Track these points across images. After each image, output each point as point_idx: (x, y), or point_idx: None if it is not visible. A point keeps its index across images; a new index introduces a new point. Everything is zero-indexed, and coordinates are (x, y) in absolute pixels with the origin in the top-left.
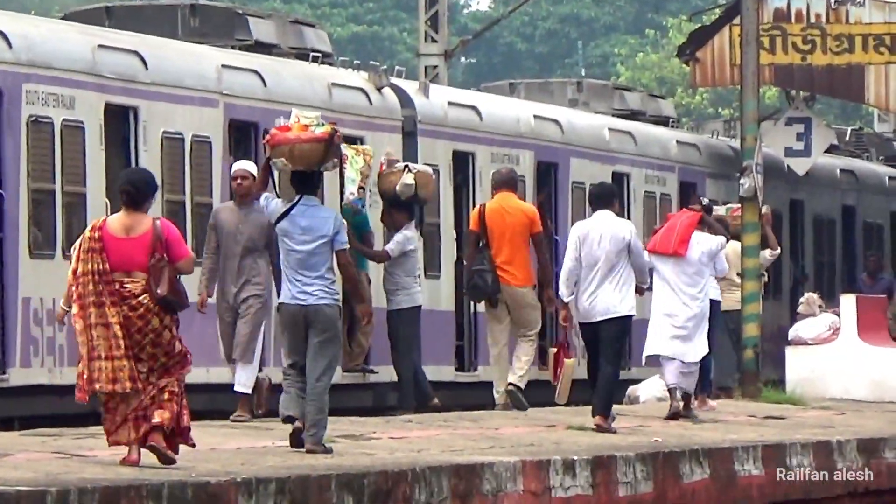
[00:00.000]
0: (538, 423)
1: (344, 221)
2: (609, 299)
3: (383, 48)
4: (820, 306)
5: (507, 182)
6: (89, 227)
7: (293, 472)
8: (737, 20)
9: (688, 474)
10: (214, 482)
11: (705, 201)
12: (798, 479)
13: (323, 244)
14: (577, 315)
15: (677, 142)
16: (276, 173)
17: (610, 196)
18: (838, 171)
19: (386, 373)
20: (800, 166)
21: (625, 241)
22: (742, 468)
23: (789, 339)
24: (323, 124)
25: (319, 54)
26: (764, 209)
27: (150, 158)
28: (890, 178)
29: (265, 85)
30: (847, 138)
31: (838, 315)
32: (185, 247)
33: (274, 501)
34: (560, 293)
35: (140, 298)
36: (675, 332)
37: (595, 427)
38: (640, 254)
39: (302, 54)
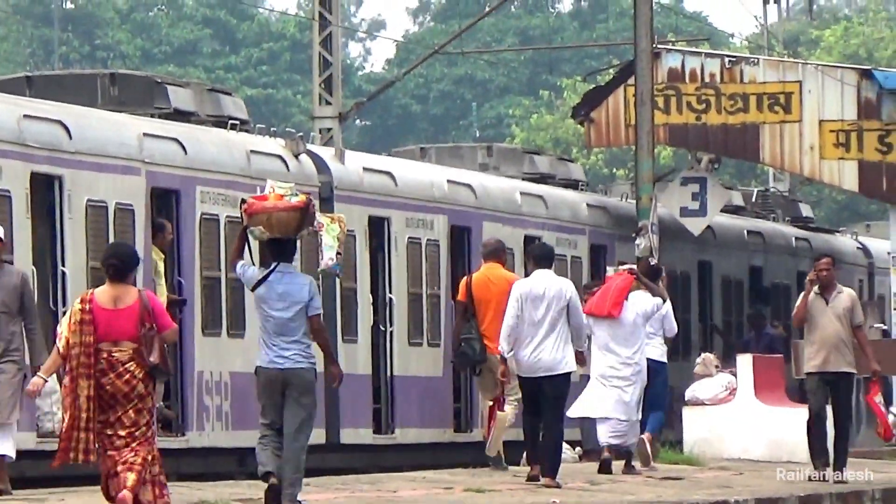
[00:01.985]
0: (437, 484)
1: (317, 288)
2: (552, 356)
3: (277, 111)
4: (716, 366)
5: (493, 253)
6: (78, 300)
7: None
8: (631, 80)
9: None
10: None
11: (653, 261)
12: None
13: (299, 310)
14: (517, 370)
15: (587, 205)
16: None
17: (550, 256)
18: (746, 232)
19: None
20: (695, 226)
21: (566, 298)
22: None
23: (686, 398)
24: (297, 194)
25: (237, 121)
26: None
27: (74, 226)
28: (796, 238)
29: (186, 152)
30: (753, 199)
31: (735, 375)
32: (169, 318)
33: None
34: (500, 348)
35: (127, 366)
36: (608, 393)
37: (545, 485)
38: (579, 314)
39: (220, 122)
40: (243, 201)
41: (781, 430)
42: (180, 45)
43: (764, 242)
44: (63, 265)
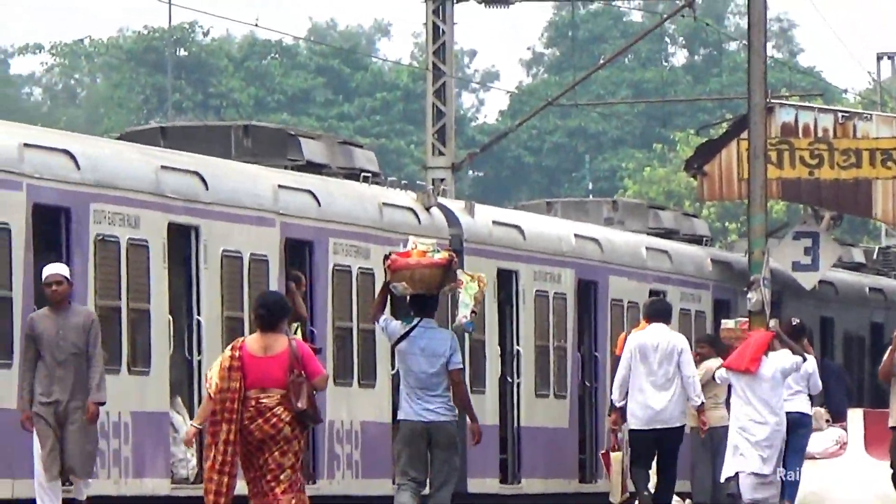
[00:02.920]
0: None
1: (457, 343)
2: (669, 408)
3: (390, 161)
4: (827, 420)
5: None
6: (230, 348)
7: None
8: (744, 134)
9: None
10: None
11: (795, 322)
12: None
13: (441, 365)
14: (630, 423)
15: (711, 259)
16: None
17: (666, 311)
18: (867, 289)
19: None
20: (807, 280)
21: (678, 353)
22: None
23: None
24: (439, 250)
25: (369, 174)
26: (772, 323)
27: (209, 276)
28: None
29: (319, 204)
30: (875, 256)
31: (845, 429)
32: (319, 365)
33: None
34: (612, 398)
35: (274, 410)
36: (749, 447)
37: None
38: (688, 366)
39: (351, 174)
40: (386, 257)
41: (892, 484)
42: (294, 94)
43: (885, 299)
44: (199, 314)
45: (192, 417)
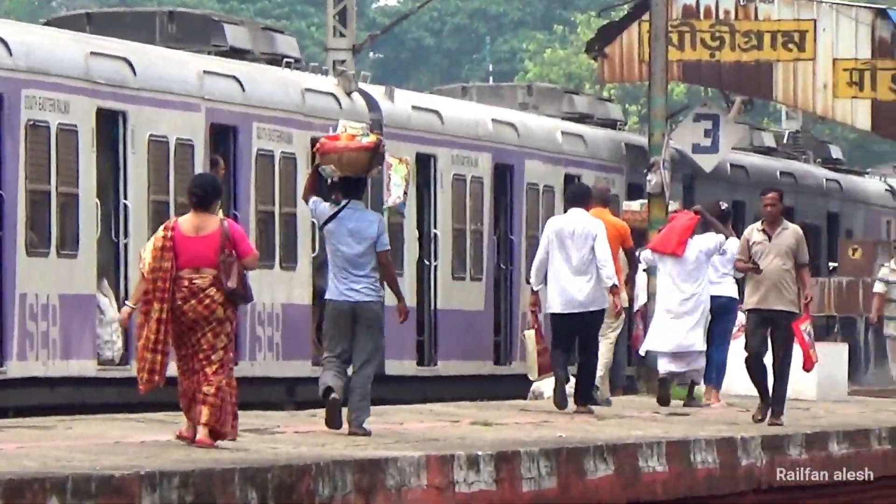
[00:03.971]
0: (443, 417)
1: (385, 224)
2: (586, 292)
3: None
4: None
5: (601, 199)
6: (162, 228)
7: (197, 465)
8: (646, 16)
9: (592, 470)
10: (118, 475)
11: (724, 206)
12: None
13: (369, 246)
14: (549, 307)
15: (625, 144)
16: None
17: (584, 196)
18: (778, 172)
19: None
20: (707, 163)
21: (592, 237)
22: (646, 464)
23: None
24: (368, 134)
25: (291, 60)
26: (674, 205)
27: (136, 161)
28: (827, 179)
29: (243, 90)
30: (785, 140)
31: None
32: (250, 245)
33: (177, 495)
34: (531, 282)
35: (207, 291)
36: (671, 325)
37: (577, 412)
38: (602, 250)
39: (273, 59)
40: (316, 140)
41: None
42: None
43: (796, 182)
44: (126, 198)
45: (118, 300)
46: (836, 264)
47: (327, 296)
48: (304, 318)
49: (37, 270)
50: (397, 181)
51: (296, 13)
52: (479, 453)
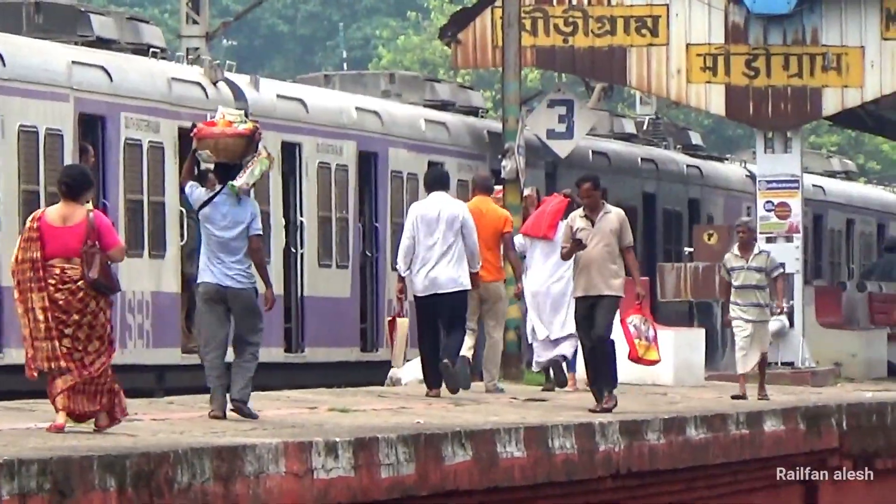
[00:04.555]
0: (301, 404)
1: (258, 210)
2: (447, 275)
3: None
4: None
5: (484, 187)
6: (30, 218)
7: (55, 453)
8: (498, 2)
9: (450, 456)
10: None
11: (566, 190)
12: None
13: (241, 231)
14: (414, 290)
15: (488, 132)
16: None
17: (443, 180)
18: (639, 159)
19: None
20: (562, 148)
21: (459, 221)
22: (504, 450)
23: None
24: (245, 122)
25: (158, 49)
26: (528, 191)
27: (7, 150)
28: (688, 166)
29: (111, 80)
30: (645, 127)
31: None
32: (116, 236)
33: (36, 483)
34: (398, 268)
35: (79, 283)
36: (542, 311)
37: (445, 365)
38: (471, 234)
39: (139, 49)
40: (193, 125)
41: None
42: None
43: (657, 169)
44: None
45: None
46: (691, 249)
47: (199, 279)
48: (174, 305)
49: None
50: (255, 172)
51: (149, 0)
52: (338, 440)
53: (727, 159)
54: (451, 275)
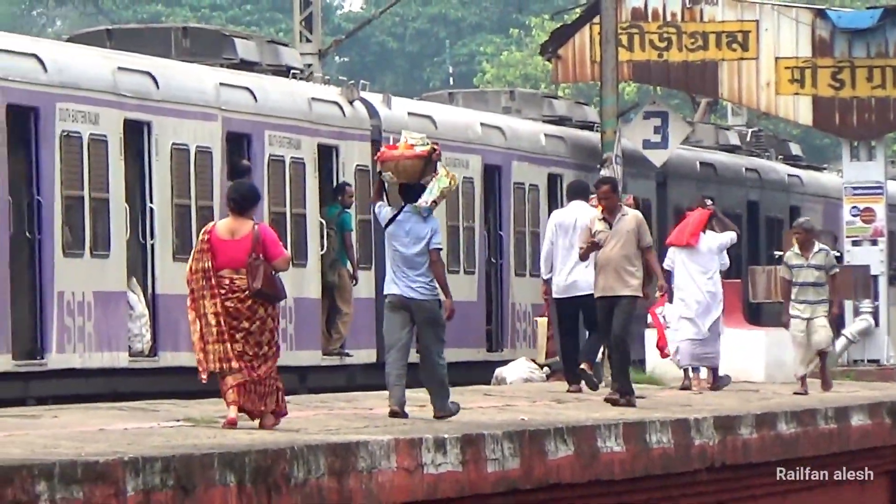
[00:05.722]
0: (410, 403)
1: (438, 226)
2: (588, 277)
3: None
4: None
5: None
6: (202, 231)
7: (177, 451)
8: (596, 19)
9: (553, 451)
10: (103, 461)
11: (709, 202)
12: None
13: (424, 246)
14: (554, 293)
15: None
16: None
17: (583, 189)
18: (743, 169)
19: (359, 356)
20: (657, 158)
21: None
22: (604, 445)
23: (648, 321)
24: (426, 144)
25: (297, 70)
26: (626, 198)
27: (160, 167)
28: (789, 175)
29: (255, 100)
30: (748, 138)
31: None
32: (280, 248)
33: (160, 479)
34: (541, 271)
35: (246, 292)
36: (688, 314)
37: (582, 370)
38: None
39: (279, 71)
40: (377, 150)
41: (739, 351)
42: None
43: (759, 178)
44: (151, 202)
45: (146, 296)
46: (781, 253)
47: (386, 290)
48: (315, 310)
49: (69, 269)
50: (434, 189)
51: (265, 20)
52: (446, 436)
53: (825, 168)
54: (590, 279)
